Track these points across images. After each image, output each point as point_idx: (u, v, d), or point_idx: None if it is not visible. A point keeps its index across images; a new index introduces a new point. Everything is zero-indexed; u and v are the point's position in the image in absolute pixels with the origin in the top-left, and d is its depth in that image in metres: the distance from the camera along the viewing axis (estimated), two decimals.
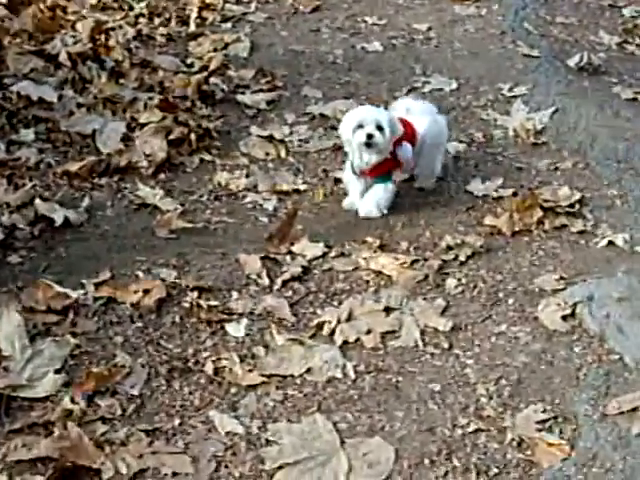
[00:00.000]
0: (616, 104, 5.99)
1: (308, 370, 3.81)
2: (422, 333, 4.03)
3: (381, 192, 4.77)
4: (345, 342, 3.96)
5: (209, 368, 3.77)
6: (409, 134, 4.79)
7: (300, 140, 5.44)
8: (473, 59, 6.52)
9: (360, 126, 4.63)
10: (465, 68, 6.37)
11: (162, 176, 5.02)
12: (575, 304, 4.15)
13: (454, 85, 6.12)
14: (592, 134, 5.57)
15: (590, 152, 5.39)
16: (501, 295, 4.28)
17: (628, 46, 7.01)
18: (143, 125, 5.29)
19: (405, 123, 4.80)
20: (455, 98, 5.97)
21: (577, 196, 4.91)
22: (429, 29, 6.95)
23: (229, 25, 6.81)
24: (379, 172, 4.77)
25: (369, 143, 4.61)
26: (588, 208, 4.89)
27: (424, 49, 6.62)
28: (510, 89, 6.08)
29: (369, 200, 4.78)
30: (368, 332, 4.02)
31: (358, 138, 4.63)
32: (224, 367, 3.79)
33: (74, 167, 4.91)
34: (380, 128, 4.60)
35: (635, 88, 6.27)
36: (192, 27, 6.69)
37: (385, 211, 4.79)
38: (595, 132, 5.59)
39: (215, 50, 6.36)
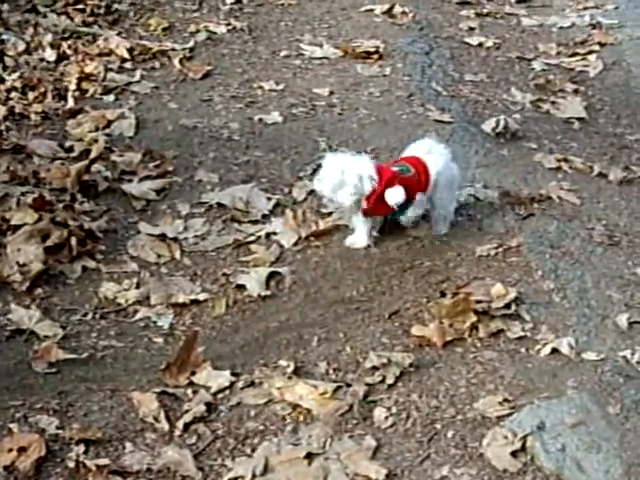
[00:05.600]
0: (540, 175, 5.47)
1: None
2: None
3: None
4: None
5: None
6: (421, 171, 4.70)
7: (196, 237, 4.81)
8: (381, 127, 5.92)
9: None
10: (373, 139, 5.77)
11: (39, 291, 4.37)
12: (525, 436, 3.60)
13: None
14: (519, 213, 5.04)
15: (520, 236, 4.84)
16: (439, 426, 3.71)
17: (542, 104, 6.52)
18: (16, 228, 4.62)
19: (418, 161, 4.72)
20: None
21: (512, 294, 4.34)
22: (331, 93, 6.35)
23: (111, 98, 6.10)
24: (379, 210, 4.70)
25: None
26: (525, 307, 4.34)
27: (327, 118, 6.01)
28: None
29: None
30: None
31: None
32: None
33: None
34: None
35: (557, 154, 5.76)
36: (70, 102, 6.00)
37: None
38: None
39: (97, 129, 5.69)
